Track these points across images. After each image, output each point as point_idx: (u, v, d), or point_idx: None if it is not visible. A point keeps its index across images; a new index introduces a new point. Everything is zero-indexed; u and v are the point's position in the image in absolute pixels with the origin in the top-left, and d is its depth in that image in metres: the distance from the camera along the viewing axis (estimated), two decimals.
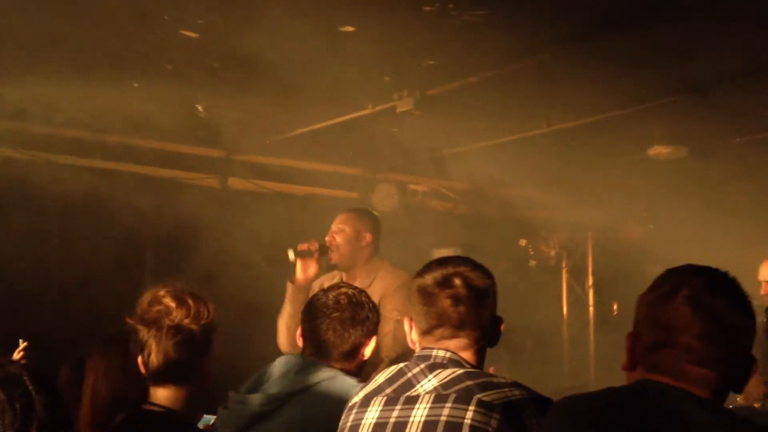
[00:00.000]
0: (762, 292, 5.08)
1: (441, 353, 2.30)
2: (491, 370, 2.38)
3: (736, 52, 4.49)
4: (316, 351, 2.76)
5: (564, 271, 8.82)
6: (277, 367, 2.70)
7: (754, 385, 4.58)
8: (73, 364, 3.44)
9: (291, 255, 4.33)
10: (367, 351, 2.80)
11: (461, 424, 2.12)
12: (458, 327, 2.31)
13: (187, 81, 4.86)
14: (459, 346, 2.32)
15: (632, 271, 7.43)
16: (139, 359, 2.47)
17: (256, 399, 2.62)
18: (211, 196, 6.16)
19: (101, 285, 5.43)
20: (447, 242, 6.93)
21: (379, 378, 2.37)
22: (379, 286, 4.20)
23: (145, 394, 2.50)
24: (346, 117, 5.46)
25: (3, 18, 4.00)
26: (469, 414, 2.13)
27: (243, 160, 6.35)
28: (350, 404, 2.36)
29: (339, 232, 4.37)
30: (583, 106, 5.40)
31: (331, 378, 2.63)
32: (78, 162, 5.63)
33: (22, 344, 4.19)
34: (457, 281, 2.32)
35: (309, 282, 4.37)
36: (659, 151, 6.02)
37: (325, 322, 2.76)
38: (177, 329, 2.44)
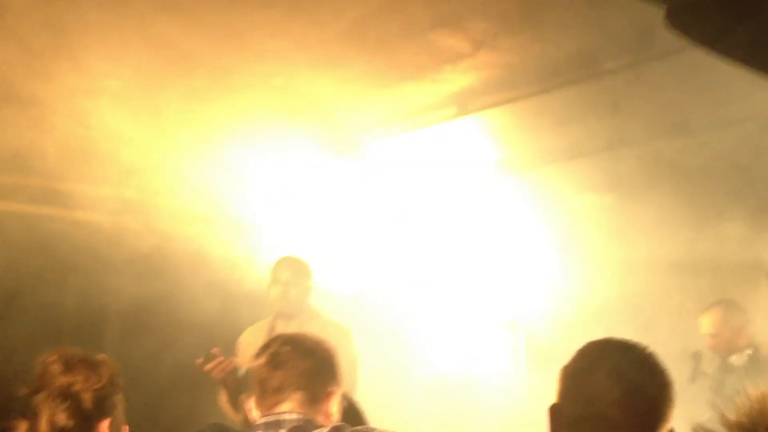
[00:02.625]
0: (709, 345, 4.80)
1: (293, 416, 2.35)
2: None
3: (661, 110, 4.60)
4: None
5: None
6: None
7: None
8: None
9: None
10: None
11: None
12: (277, 391, 2.40)
13: None
14: (295, 408, 2.38)
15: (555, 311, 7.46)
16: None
17: None
18: None
19: None
20: None
21: None
22: None
23: None
24: None
25: None
26: None
27: None
28: None
29: (295, 285, 4.50)
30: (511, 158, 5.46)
31: None
32: None
33: None
34: (284, 348, 2.45)
35: None
36: (586, 198, 6.09)
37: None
38: (65, 396, 2.42)
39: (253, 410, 2.48)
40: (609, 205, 6.04)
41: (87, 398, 2.43)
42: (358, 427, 2.35)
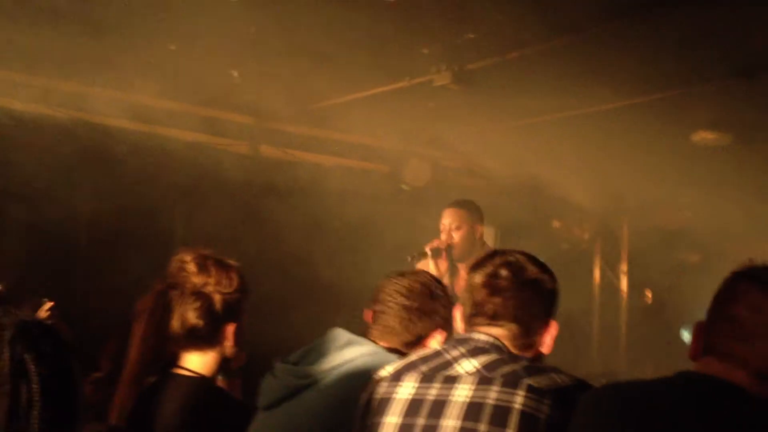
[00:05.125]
0: None
1: (483, 337, 2.24)
2: None
3: None
4: (380, 336, 2.68)
5: (597, 256, 8.65)
6: (324, 341, 2.63)
7: None
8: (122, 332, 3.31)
9: (429, 252, 4.71)
10: (433, 343, 2.67)
11: (510, 409, 2.04)
12: (492, 318, 2.27)
13: (223, 45, 4.78)
14: (497, 336, 2.26)
15: (668, 258, 7.27)
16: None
17: (293, 372, 2.56)
18: (242, 163, 6.10)
19: (130, 249, 5.40)
20: None
21: (412, 356, 2.33)
22: None
23: (176, 358, 2.52)
24: (382, 89, 5.35)
25: None
26: (519, 398, 2.05)
27: (274, 127, 6.27)
28: (377, 378, 2.31)
29: (456, 229, 4.78)
30: (627, 87, 5.23)
31: (372, 354, 2.53)
32: (110, 122, 5.56)
33: (47, 304, 3.75)
34: (503, 272, 2.29)
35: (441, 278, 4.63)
36: (703, 137, 5.85)
37: (393, 309, 2.67)
38: (197, 295, 2.46)
39: (458, 321, 2.41)
40: (727, 143, 5.79)
41: (218, 300, 2.48)
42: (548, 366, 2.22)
